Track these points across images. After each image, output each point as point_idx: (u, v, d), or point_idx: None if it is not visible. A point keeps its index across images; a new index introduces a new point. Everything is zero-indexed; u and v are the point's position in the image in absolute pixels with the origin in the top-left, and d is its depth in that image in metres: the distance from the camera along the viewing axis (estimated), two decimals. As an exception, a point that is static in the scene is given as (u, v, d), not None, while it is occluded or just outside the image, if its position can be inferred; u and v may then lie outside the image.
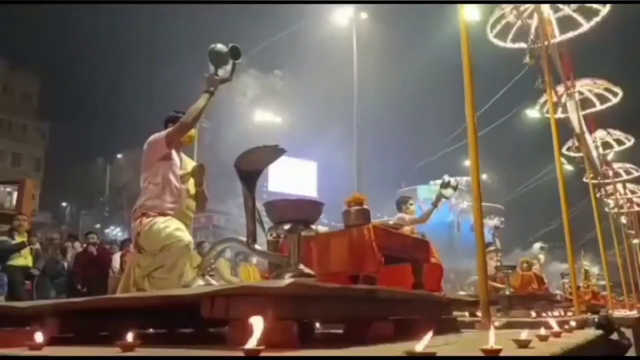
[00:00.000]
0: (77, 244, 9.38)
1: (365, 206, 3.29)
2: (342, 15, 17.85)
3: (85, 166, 39.99)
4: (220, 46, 3.18)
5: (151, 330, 2.57)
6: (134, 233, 3.35)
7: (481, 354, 1.54)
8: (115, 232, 34.41)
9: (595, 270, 16.03)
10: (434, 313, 2.74)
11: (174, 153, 3.42)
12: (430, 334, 1.47)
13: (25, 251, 7.42)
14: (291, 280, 1.71)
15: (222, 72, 3.24)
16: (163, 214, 3.31)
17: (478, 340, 2.60)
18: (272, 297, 1.73)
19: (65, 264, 8.35)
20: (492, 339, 1.58)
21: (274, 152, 2.19)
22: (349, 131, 17.80)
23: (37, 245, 7.84)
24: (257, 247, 2.35)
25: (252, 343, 1.42)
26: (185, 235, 3.27)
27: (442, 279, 4.41)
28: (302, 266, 2.10)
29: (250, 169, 2.22)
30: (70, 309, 2.10)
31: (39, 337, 1.74)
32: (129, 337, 1.61)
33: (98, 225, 33.30)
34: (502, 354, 1.56)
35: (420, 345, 1.34)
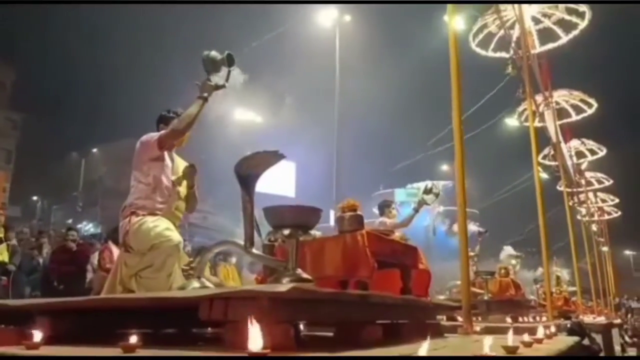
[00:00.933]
0: (44, 240, 9.18)
1: (358, 212, 3.36)
2: (326, 16, 17.90)
3: (59, 160, 39.24)
4: (214, 53, 3.20)
5: (134, 330, 2.57)
6: (122, 231, 3.32)
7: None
8: (88, 228, 33.79)
9: (565, 275, 16.42)
10: (421, 318, 2.80)
11: (166, 154, 3.42)
12: (428, 338, 1.53)
13: (2, 247, 7.28)
14: (293, 284, 1.75)
15: (216, 78, 3.25)
16: (152, 213, 3.30)
17: (464, 345, 2.67)
18: (273, 301, 1.77)
19: (41, 260, 8.20)
20: (488, 345, 1.65)
21: (274, 157, 2.23)
22: (328, 133, 17.87)
23: (14, 241, 7.70)
24: (254, 251, 2.38)
25: (255, 345, 1.45)
26: (175, 235, 3.26)
27: (430, 285, 4.50)
28: (299, 271, 2.14)
29: (249, 174, 2.25)
30: (66, 308, 2.09)
31: (37, 336, 1.74)
32: (133, 338, 1.62)
33: (70, 221, 32.61)
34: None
35: (424, 349, 1.40)
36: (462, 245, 3.63)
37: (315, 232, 2.30)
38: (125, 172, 3.47)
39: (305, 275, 2.14)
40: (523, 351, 2.05)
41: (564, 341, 2.87)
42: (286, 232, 2.13)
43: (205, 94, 3.26)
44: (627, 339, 12.86)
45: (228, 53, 3.16)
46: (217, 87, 3.26)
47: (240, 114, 21.14)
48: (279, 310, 1.78)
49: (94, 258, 7.72)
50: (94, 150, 39.22)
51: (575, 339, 3.35)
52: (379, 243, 3.36)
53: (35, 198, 39.73)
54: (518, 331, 2.79)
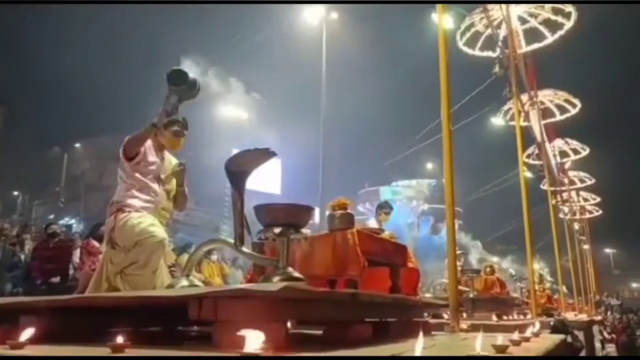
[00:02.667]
0: (27, 236, 9.08)
1: (349, 210, 3.35)
2: (313, 14, 17.85)
3: (41, 154, 38.58)
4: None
5: (121, 329, 2.53)
6: (108, 228, 3.30)
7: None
8: (71, 224, 33.33)
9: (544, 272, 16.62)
10: (410, 316, 2.80)
11: (148, 155, 3.37)
12: (421, 336, 1.52)
13: (-18, 243, 7.17)
14: (285, 283, 1.73)
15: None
16: (138, 211, 3.28)
17: (453, 343, 2.68)
18: (264, 300, 1.74)
19: (22, 256, 8.06)
20: (479, 345, 1.65)
21: (264, 155, 2.21)
22: (314, 130, 17.84)
23: (-5, 237, 7.58)
24: (244, 249, 2.35)
25: (251, 345, 1.43)
26: (160, 231, 3.23)
27: (419, 283, 4.50)
28: (290, 269, 2.13)
29: (240, 171, 2.23)
30: (55, 306, 2.05)
31: (22, 335, 1.70)
32: (121, 337, 1.59)
33: (52, 216, 32.14)
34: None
35: (418, 348, 1.39)
36: (450, 243, 3.64)
37: (307, 231, 2.28)
38: (108, 168, 3.44)
39: (296, 274, 2.13)
40: (513, 350, 2.05)
41: (551, 339, 2.88)
42: (277, 230, 2.11)
43: (155, 120, 3.22)
44: (605, 335, 13.11)
45: (172, 70, 3.08)
46: (168, 114, 3.20)
47: (225, 111, 21.03)
48: (271, 309, 1.76)
49: (76, 256, 7.64)
50: (77, 145, 38.64)
51: (561, 336, 3.38)
52: (370, 242, 3.35)
53: (15, 193, 39.08)
54: (506, 329, 2.80)
